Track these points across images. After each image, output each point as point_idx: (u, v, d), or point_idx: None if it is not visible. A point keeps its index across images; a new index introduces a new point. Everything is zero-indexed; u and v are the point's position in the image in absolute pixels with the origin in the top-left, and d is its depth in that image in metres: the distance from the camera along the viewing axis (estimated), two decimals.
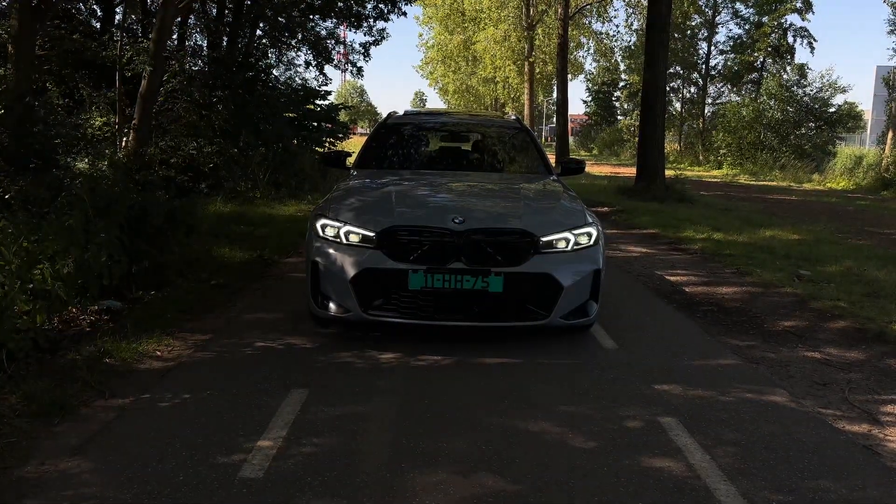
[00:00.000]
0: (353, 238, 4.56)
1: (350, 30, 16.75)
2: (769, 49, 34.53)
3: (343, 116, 21.23)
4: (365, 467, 3.05)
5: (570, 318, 4.58)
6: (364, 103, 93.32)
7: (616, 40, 36.46)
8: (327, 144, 19.46)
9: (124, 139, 11.67)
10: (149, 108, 12.09)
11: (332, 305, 4.61)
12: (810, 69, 35.20)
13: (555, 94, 49.31)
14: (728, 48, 37.56)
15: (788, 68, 34.35)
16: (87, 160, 10.30)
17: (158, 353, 4.51)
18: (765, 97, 33.31)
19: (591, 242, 4.68)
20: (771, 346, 5.14)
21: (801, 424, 3.66)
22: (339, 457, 3.12)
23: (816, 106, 32.41)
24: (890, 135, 25.93)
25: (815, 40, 34.44)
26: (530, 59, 35.33)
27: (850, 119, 31.30)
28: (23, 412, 3.48)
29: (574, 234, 4.61)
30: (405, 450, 3.20)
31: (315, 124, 19.38)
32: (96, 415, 3.55)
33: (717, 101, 39.25)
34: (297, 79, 20.67)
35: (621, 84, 49.86)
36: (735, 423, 3.63)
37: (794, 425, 3.64)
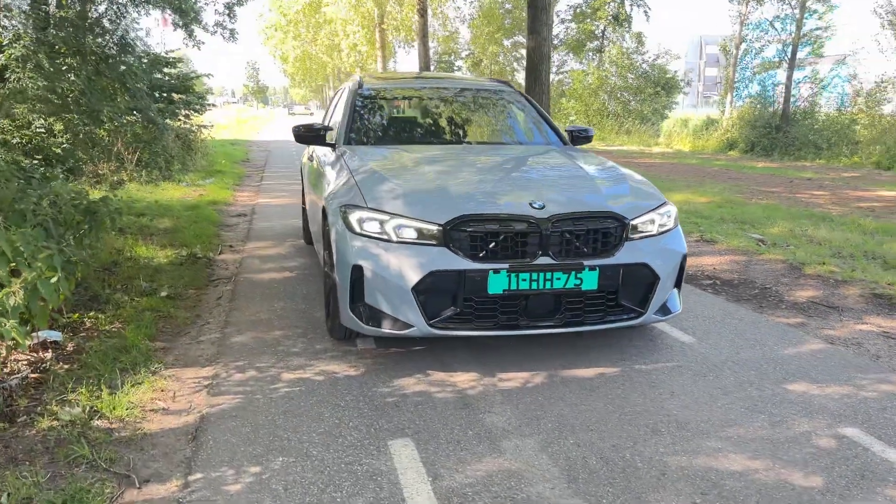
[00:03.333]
0: (408, 233, 3.60)
1: None
2: (609, 18, 35.78)
3: (198, 86, 19.05)
4: None
5: (662, 312, 3.95)
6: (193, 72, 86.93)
7: (472, 5, 36.21)
8: (182, 118, 17.42)
9: None
10: None
11: (385, 320, 3.64)
12: (646, 37, 37.11)
13: (391, 64, 48.32)
14: (570, 17, 38.52)
15: (627, 36, 35.86)
16: None
17: (161, 402, 3.33)
18: (607, 65, 34.63)
19: (673, 224, 4.05)
20: (821, 322, 4.83)
21: None
22: None
23: (653, 73, 34.19)
24: (728, 98, 27.78)
25: (649, 9, 36.14)
26: (382, 26, 34.22)
27: (685, 84, 33.29)
28: None
29: (658, 215, 3.96)
30: None
31: (165, 95, 17.22)
32: None
33: (561, 70, 40.32)
34: (138, 44, 18.20)
35: (465, 53, 49.82)
36: None
37: None
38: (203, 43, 14.90)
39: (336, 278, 3.81)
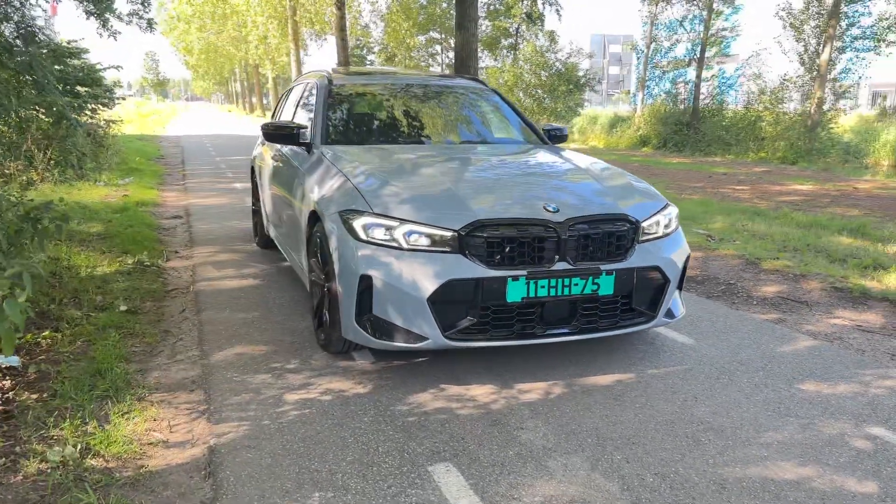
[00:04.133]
0: (420, 240, 3.38)
1: None
2: (522, 16, 36.23)
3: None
4: None
5: (668, 316, 3.89)
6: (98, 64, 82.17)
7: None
8: (88, 112, 16.31)
9: None
10: None
11: (397, 333, 3.40)
12: (559, 36, 37.81)
13: (304, 57, 47.15)
14: (483, 14, 38.74)
15: (540, 34, 36.40)
16: None
17: (157, 433, 2.99)
18: (522, 62, 35.05)
19: (676, 225, 4.01)
20: (796, 317, 4.93)
21: None
22: None
23: (566, 70, 34.86)
24: (640, 96, 28.65)
25: (561, 7, 36.83)
26: (295, 18, 33.37)
27: (597, 82, 34.12)
28: None
29: (664, 216, 3.90)
30: None
31: (70, 87, 16.03)
32: None
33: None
34: (39, 34, 16.87)
35: (377, 48, 49.28)
36: None
37: None
38: (119, 33, 13.92)
39: (337, 289, 3.55)
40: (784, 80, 21.74)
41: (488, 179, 3.95)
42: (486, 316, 3.40)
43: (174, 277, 5.64)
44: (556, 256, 3.44)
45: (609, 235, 3.57)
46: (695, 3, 24.63)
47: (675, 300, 3.99)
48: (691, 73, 24.45)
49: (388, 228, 3.42)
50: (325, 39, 44.12)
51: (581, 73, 35.24)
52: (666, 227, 3.89)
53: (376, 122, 5.03)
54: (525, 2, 36.76)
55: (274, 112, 6.93)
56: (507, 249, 3.39)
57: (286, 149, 5.18)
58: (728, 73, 24.80)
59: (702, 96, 24.25)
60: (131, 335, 4.16)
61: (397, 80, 5.50)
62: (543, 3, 37.33)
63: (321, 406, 3.27)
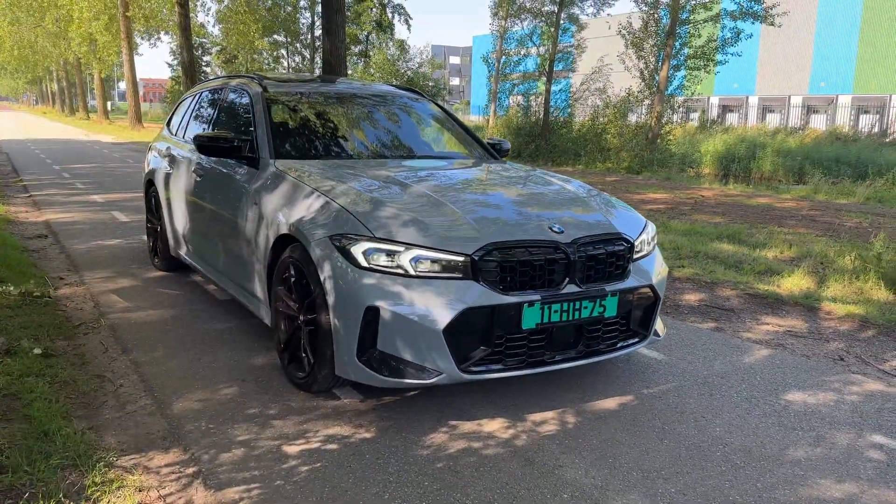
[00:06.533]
0: (430, 266, 3.10)
1: None
2: (372, 23, 36.11)
3: None
4: None
5: (655, 334, 3.87)
6: None
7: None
8: None
9: None
10: None
11: (407, 369, 3.10)
12: (409, 46, 38.09)
13: (136, 57, 44.09)
14: None
15: (391, 43, 36.48)
16: None
17: None
18: (373, 70, 34.93)
19: (655, 242, 4.01)
20: (732, 325, 5.14)
21: None
22: None
23: (415, 79, 35.20)
24: (492, 107, 29.43)
25: (411, 18, 37.13)
26: (127, 14, 30.97)
27: (448, 93, 34.73)
28: None
29: (647, 234, 3.88)
30: None
31: None
32: None
33: None
34: None
35: (215, 49, 46.98)
36: None
37: None
38: None
39: (333, 322, 3.18)
40: (628, 94, 23.19)
41: (482, 198, 3.73)
42: (500, 345, 3.19)
43: (74, 309, 4.88)
44: (567, 279, 3.30)
45: (611, 255, 3.48)
46: (543, 20, 25.67)
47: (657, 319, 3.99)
48: (542, 86, 25.44)
49: (392, 254, 3.11)
50: (160, 39, 41.41)
51: (431, 84, 35.84)
52: (648, 244, 3.87)
53: (333, 136, 4.62)
54: (374, 10, 36.68)
55: (169, 121, 6.26)
56: (518, 273, 3.20)
57: (213, 162, 4.64)
58: (575, 86, 26.06)
59: (551, 109, 25.31)
60: (61, 384, 3.50)
61: (334, 88, 5.12)
62: (392, 12, 37.47)
63: (332, 458, 2.89)
